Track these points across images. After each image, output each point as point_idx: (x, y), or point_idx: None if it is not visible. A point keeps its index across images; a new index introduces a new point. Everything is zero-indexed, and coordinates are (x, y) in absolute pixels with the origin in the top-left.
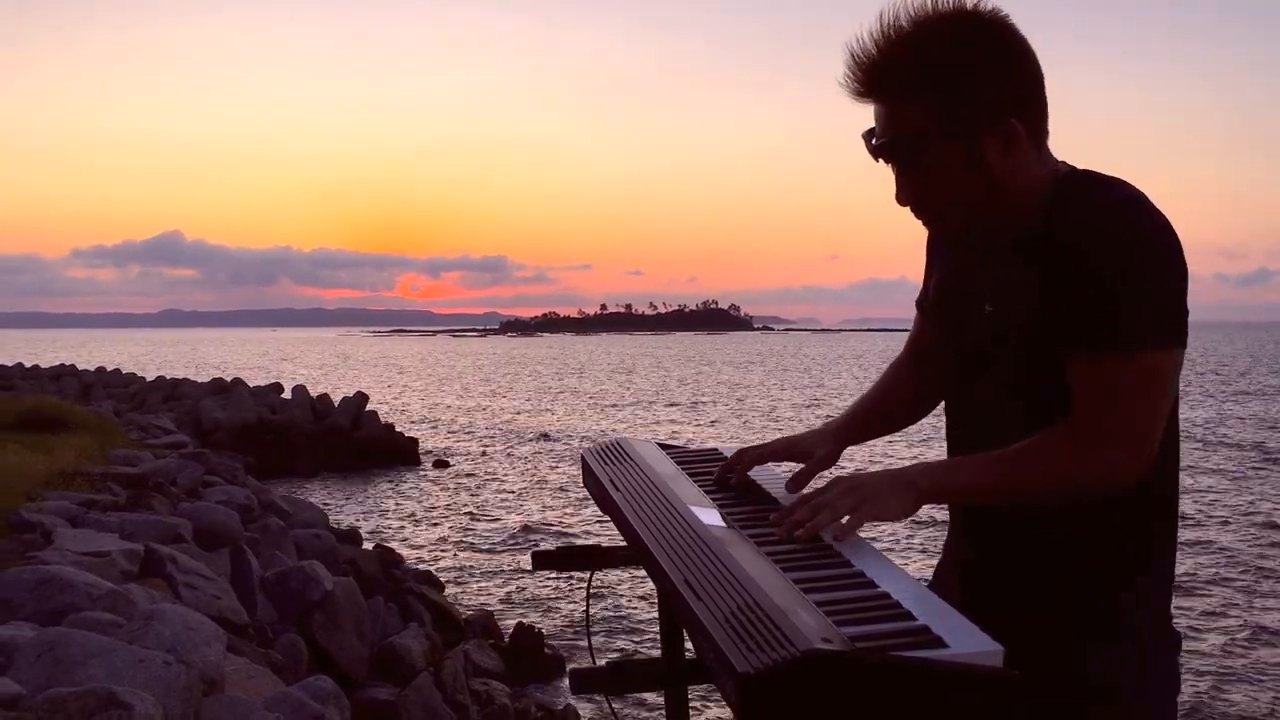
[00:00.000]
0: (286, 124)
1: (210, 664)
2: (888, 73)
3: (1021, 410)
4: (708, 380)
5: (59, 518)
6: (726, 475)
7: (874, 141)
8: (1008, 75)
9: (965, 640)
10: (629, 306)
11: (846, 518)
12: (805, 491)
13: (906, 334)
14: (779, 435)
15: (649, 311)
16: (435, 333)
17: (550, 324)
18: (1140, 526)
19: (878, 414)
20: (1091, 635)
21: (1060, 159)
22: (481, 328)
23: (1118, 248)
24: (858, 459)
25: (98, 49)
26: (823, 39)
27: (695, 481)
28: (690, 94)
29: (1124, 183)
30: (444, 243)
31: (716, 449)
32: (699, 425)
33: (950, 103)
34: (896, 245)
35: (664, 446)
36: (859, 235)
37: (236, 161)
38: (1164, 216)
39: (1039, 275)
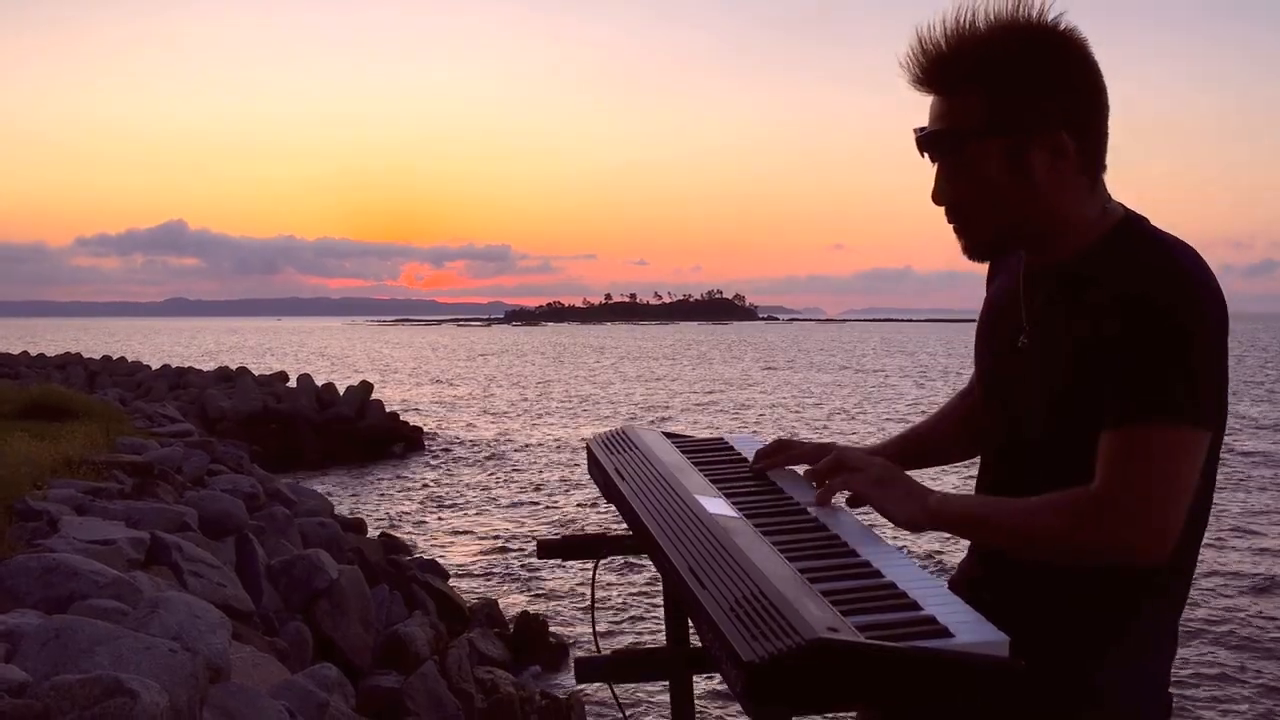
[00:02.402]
0: (289, 113)
1: (216, 652)
2: (950, 66)
3: (1055, 461)
4: (711, 370)
5: (65, 506)
6: (761, 464)
7: (920, 133)
8: (1066, 88)
9: (971, 630)
10: (634, 296)
11: (838, 486)
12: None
13: (909, 323)
14: (780, 421)
15: (654, 301)
16: (440, 322)
17: (555, 313)
18: (1148, 595)
19: (928, 444)
20: (1097, 661)
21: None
22: (486, 317)
23: (1179, 318)
24: None
25: (101, 38)
26: (827, 29)
27: (700, 470)
28: (695, 83)
29: (1187, 246)
30: (448, 232)
31: (722, 438)
32: (704, 414)
33: (1002, 101)
34: (900, 235)
35: (669, 435)
36: (863, 225)
37: (239, 150)
38: (1220, 290)
39: (1082, 320)
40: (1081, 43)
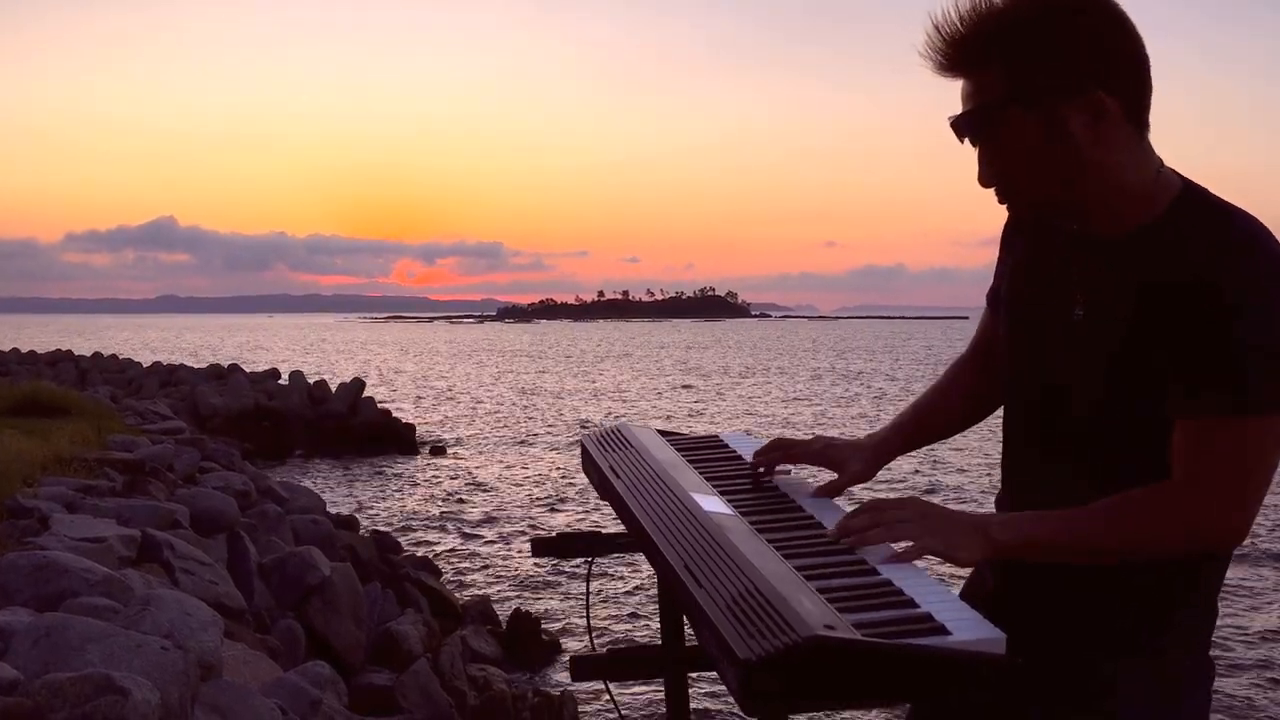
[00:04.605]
0: (280, 108)
1: (207, 649)
2: (971, 44)
3: (1087, 450)
4: (708, 368)
5: (56, 503)
6: (760, 461)
7: (952, 119)
8: (1096, 45)
9: (968, 628)
10: (626, 293)
11: (905, 545)
12: (877, 498)
13: (903, 321)
14: (776, 422)
15: (646, 298)
16: (432, 319)
17: (547, 310)
18: (1191, 562)
19: (931, 420)
20: (1124, 658)
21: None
22: (479, 314)
23: (1254, 302)
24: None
25: (91, 33)
26: (821, 25)
27: (695, 468)
28: (687, 79)
29: (1252, 218)
30: (440, 229)
31: (717, 435)
32: (699, 411)
33: (1029, 69)
34: (894, 232)
35: (663, 433)
36: (856, 222)
37: (229, 146)
38: None
39: (1145, 298)
40: None
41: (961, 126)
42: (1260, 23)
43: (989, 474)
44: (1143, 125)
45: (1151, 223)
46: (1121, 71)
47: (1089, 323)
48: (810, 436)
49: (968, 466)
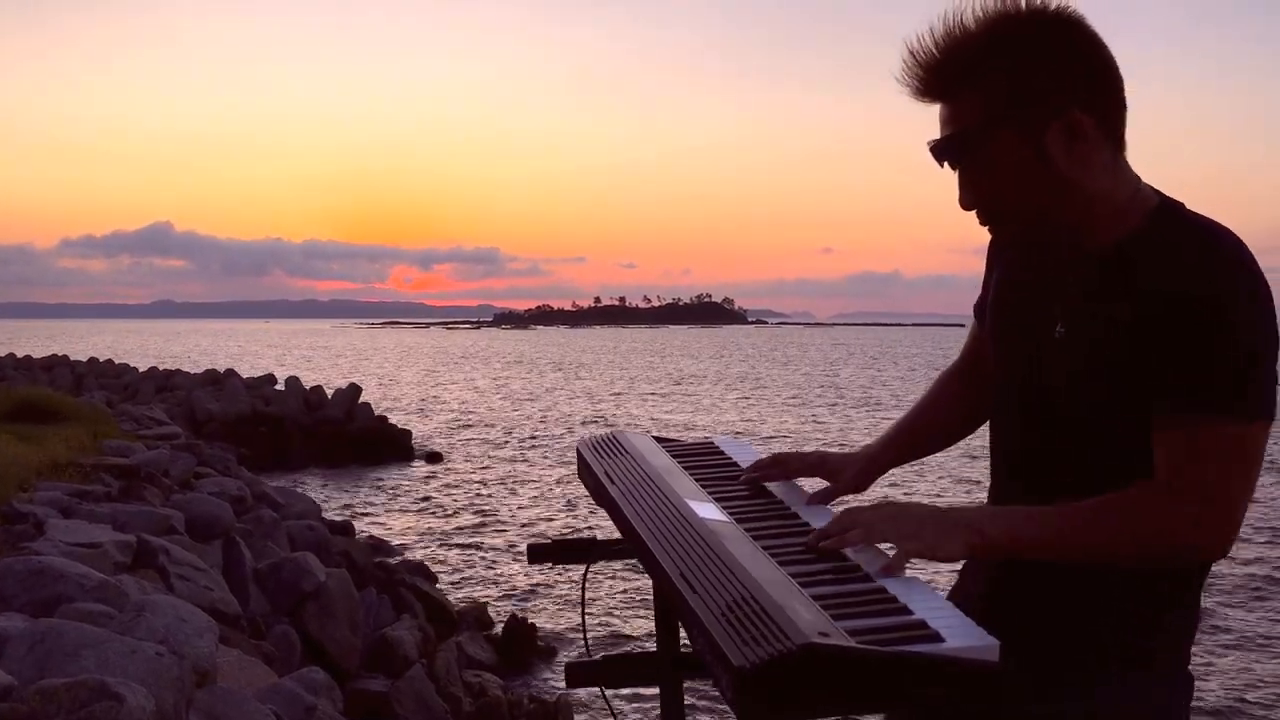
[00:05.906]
0: (276, 114)
1: (202, 655)
2: (948, 69)
3: (1087, 452)
4: (704, 374)
5: (51, 508)
6: (755, 475)
7: (931, 144)
8: (1071, 66)
9: (961, 634)
10: (623, 299)
11: (892, 550)
12: (848, 506)
13: (898, 328)
14: (769, 429)
15: (643, 305)
16: (429, 325)
17: (544, 316)
18: (1180, 587)
19: (924, 432)
20: (1113, 663)
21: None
22: (475, 320)
23: (1234, 312)
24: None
25: (86, 38)
26: (816, 31)
27: (691, 474)
28: (684, 85)
29: (1228, 231)
30: (436, 234)
31: (712, 441)
32: (694, 418)
33: (1004, 92)
34: (890, 238)
35: (659, 439)
36: (852, 228)
37: (226, 152)
38: (1264, 275)
39: (1125, 307)
40: (1078, 19)
41: (941, 152)
42: (1256, 25)
43: (979, 488)
44: (1119, 143)
45: (1132, 236)
46: (1098, 91)
47: (1071, 336)
48: (805, 449)
49: (960, 476)
